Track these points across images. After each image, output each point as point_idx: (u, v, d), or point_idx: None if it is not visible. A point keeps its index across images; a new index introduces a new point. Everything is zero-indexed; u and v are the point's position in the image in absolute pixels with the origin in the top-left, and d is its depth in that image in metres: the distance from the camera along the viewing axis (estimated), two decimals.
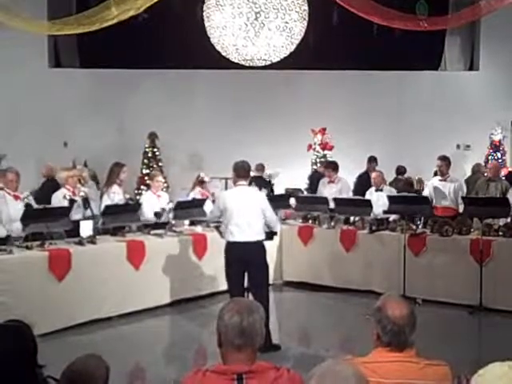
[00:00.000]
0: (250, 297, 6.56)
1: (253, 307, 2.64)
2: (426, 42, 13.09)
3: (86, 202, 8.47)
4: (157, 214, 8.95)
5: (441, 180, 9.71)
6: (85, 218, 8.27)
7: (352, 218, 9.72)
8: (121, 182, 9.23)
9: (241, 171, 6.91)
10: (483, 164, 12.48)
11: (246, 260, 6.70)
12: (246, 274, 6.80)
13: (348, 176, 11.76)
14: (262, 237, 6.82)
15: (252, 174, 11.50)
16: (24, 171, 10.80)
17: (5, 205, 7.96)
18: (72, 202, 8.32)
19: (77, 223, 8.09)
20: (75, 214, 8.38)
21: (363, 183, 11.05)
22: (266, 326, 6.69)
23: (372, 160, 12.07)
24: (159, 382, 6.07)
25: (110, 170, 9.29)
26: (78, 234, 7.92)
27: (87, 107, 14.10)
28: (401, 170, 12.37)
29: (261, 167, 11.88)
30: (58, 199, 8.56)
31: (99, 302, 7.76)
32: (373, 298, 8.23)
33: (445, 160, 9.74)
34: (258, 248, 6.77)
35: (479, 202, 8.97)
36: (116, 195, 9.03)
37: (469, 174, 12.35)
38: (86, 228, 7.99)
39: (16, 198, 8.12)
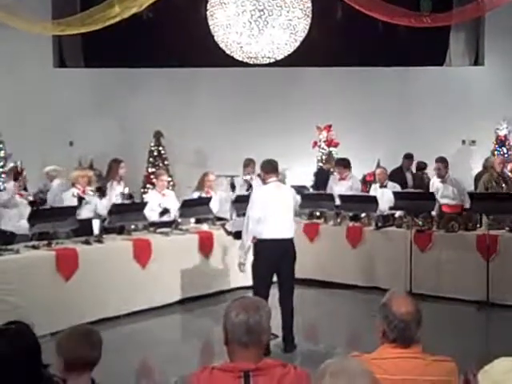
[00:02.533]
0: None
1: (259, 305, 2.64)
2: (431, 38, 13.01)
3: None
4: (162, 213, 8.98)
5: (441, 182, 9.70)
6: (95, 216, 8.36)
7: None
8: (120, 179, 9.24)
9: (268, 167, 6.93)
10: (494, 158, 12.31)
11: (281, 257, 6.69)
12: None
13: (354, 173, 11.76)
14: (294, 233, 6.87)
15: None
16: (29, 171, 10.87)
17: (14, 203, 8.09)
18: (80, 199, 8.36)
19: (85, 221, 8.17)
20: (83, 212, 8.45)
21: (397, 180, 10.72)
22: (292, 323, 6.63)
23: (409, 157, 11.97)
24: (166, 380, 6.09)
25: (108, 167, 9.32)
26: (87, 232, 7.97)
27: (92, 106, 14.11)
28: (421, 166, 12.18)
29: None
30: (68, 198, 8.63)
31: (106, 300, 7.79)
32: (379, 294, 8.19)
33: (442, 162, 9.71)
34: (292, 244, 6.80)
35: (487, 197, 8.95)
36: (113, 191, 9.03)
37: (475, 169, 12.32)
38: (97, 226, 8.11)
39: (21, 196, 8.21)
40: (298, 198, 7.75)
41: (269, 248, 6.66)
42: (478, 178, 11.32)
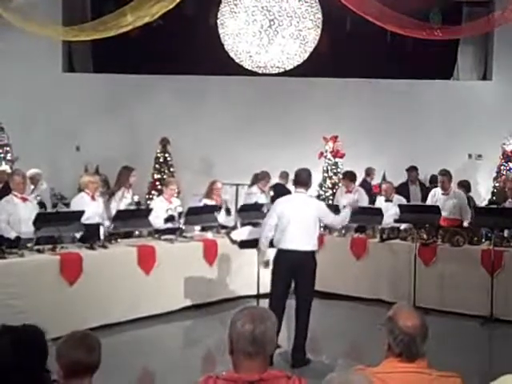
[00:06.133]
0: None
1: (265, 315, 2.62)
2: (439, 52, 13.07)
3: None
4: (167, 220, 8.99)
5: (443, 194, 9.69)
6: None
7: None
8: (130, 186, 9.26)
9: (297, 179, 6.84)
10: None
11: (297, 269, 6.58)
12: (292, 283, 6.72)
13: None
14: (316, 247, 6.75)
15: (276, 180, 11.53)
16: None
17: (14, 208, 8.06)
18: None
19: (92, 226, 8.19)
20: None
21: (404, 195, 10.71)
22: (304, 338, 6.52)
23: (412, 169, 11.92)
24: None
25: (119, 174, 9.35)
26: (93, 238, 8.00)
27: (100, 112, 14.15)
28: (435, 179, 12.11)
29: (285, 175, 11.85)
30: (77, 204, 8.65)
31: (110, 306, 7.78)
32: (382, 306, 8.23)
33: (446, 175, 9.71)
34: (311, 258, 6.66)
35: (490, 212, 8.93)
36: (124, 199, 9.06)
37: (482, 183, 12.33)
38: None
39: (23, 200, 8.20)
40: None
41: (284, 258, 6.60)
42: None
